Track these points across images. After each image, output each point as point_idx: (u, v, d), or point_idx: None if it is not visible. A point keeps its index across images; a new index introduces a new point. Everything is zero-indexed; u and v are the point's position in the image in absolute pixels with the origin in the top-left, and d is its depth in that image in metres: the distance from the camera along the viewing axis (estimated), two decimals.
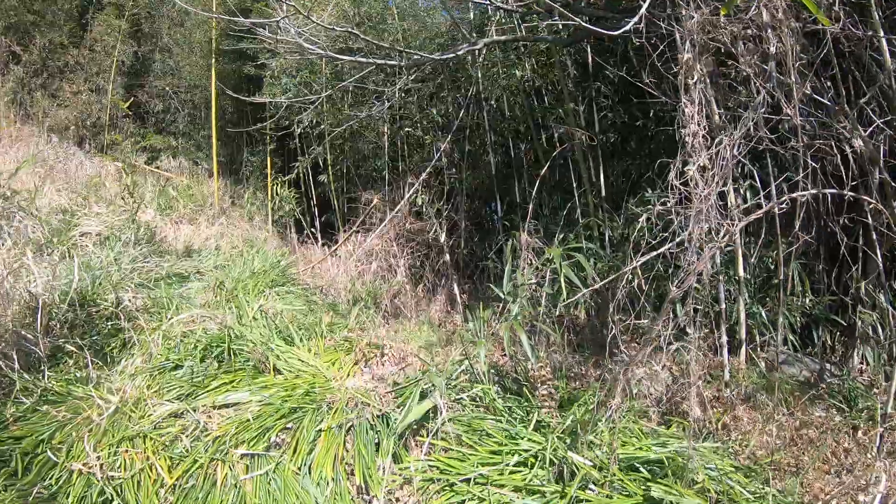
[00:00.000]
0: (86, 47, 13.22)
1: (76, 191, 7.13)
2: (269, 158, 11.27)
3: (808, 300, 4.19)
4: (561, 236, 4.67)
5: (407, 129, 8.21)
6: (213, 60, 10.10)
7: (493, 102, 7.41)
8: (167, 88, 14.09)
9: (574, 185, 6.17)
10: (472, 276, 7.33)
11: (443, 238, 6.64)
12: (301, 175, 9.26)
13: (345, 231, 8.25)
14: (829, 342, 4.19)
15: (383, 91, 7.24)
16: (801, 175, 3.34)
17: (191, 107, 14.08)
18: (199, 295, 4.99)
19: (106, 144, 12.06)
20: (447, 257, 6.72)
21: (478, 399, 3.47)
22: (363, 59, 5.48)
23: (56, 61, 12.97)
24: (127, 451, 2.92)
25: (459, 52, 5.12)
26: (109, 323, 4.06)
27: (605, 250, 5.46)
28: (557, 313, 3.80)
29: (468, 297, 6.77)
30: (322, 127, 8.59)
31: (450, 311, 6.28)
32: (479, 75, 7.17)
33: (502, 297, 3.80)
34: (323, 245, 8.51)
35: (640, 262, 2.98)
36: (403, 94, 7.58)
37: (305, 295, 5.66)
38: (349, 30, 5.00)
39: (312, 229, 9.13)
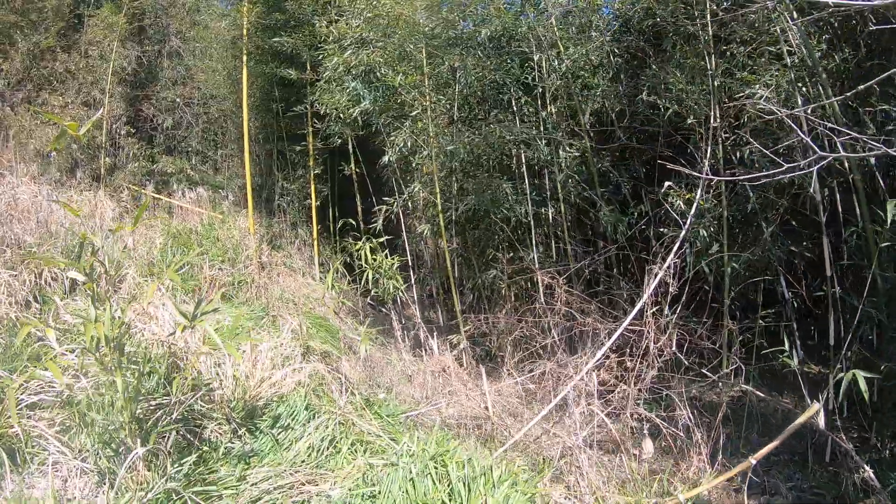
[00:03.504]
0: (78, 52, 10.82)
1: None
2: (312, 186, 8.79)
3: None
4: None
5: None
6: (245, 58, 7.63)
7: None
8: (178, 100, 11.70)
9: None
10: None
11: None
12: (388, 219, 6.67)
13: (471, 319, 5.70)
14: None
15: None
16: None
17: (206, 121, 11.69)
18: None
19: (103, 172, 9.60)
20: None
21: None
22: None
23: (42, 69, 10.56)
24: None
25: None
26: None
27: None
28: None
29: None
30: (427, 152, 6.05)
31: None
32: None
33: None
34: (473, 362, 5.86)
35: None
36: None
37: None
38: None
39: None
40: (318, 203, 8.83)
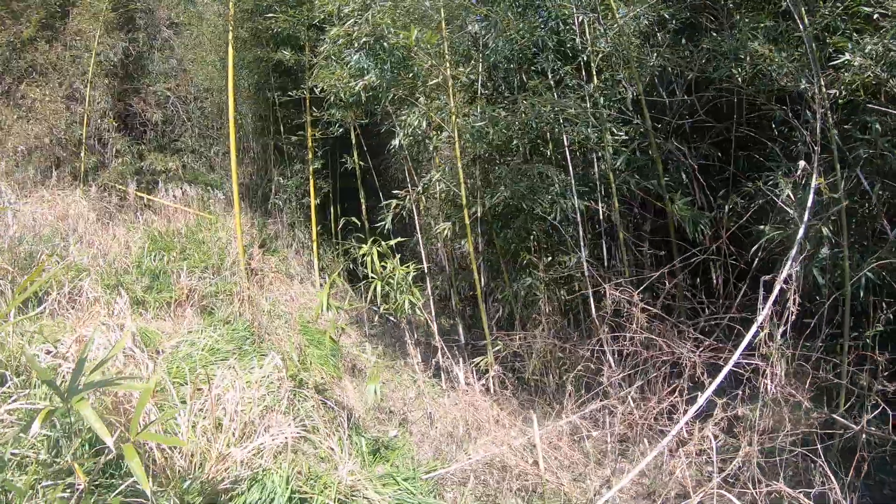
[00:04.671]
0: (62, 43, 9.94)
1: None
2: (311, 182, 7.83)
3: None
4: None
5: None
6: (230, 36, 6.67)
7: None
8: (169, 94, 10.80)
9: None
10: None
11: None
12: (400, 217, 5.67)
13: (500, 337, 4.67)
14: None
15: None
16: None
17: (200, 116, 10.77)
18: None
19: (83, 170, 8.69)
20: None
21: None
22: None
23: (23, 61, 9.68)
24: None
25: None
26: None
27: None
28: None
29: None
30: (447, 133, 5.06)
31: None
32: None
33: None
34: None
35: None
36: None
37: None
38: None
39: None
40: (318, 201, 7.86)
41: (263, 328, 4.51)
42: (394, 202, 5.45)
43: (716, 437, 2.65)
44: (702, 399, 2.68)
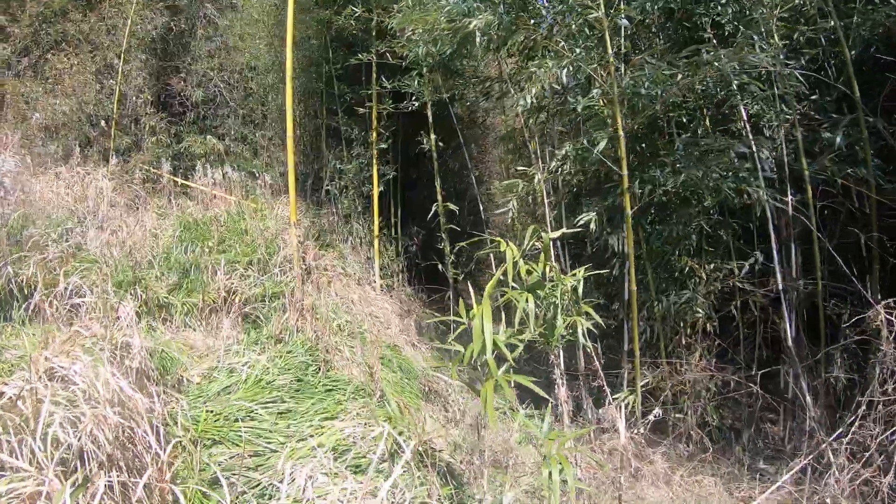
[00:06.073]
0: (96, 14, 8.98)
1: None
2: (374, 166, 6.56)
3: None
4: None
5: None
6: None
7: None
8: (212, 73, 9.79)
9: None
10: None
11: None
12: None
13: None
14: None
15: None
16: None
17: (244, 96, 9.72)
18: None
19: (112, 147, 7.64)
20: None
21: None
22: None
23: (52, 32, 8.75)
24: None
25: None
26: None
27: None
28: None
29: None
30: (600, 89, 3.76)
31: None
32: None
33: None
34: None
35: None
36: None
37: None
38: None
39: None
40: (381, 189, 6.58)
41: (331, 349, 3.19)
42: (517, 183, 4.11)
43: None
44: None
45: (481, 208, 8.11)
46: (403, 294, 6.95)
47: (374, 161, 6.56)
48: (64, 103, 8.08)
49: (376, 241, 6.48)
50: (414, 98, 6.02)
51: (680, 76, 3.56)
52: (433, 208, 6.36)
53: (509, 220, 4.31)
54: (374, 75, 6.48)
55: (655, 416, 3.29)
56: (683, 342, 3.86)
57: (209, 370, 2.98)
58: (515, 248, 2.47)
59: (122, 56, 8.41)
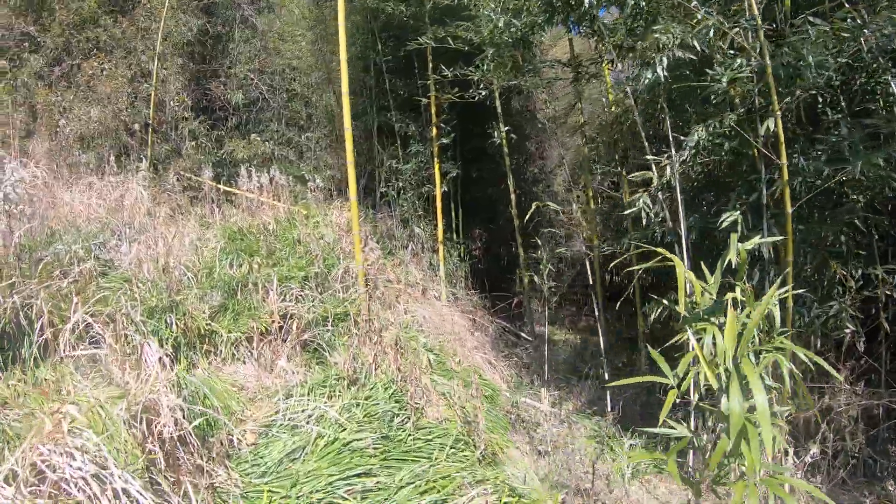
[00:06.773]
0: (128, 19, 8.57)
1: None
2: (435, 164, 5.81)
3: None
4: None
5: None
6: None
7: None
8: (252, 75, 9.31)
9: None
10: None
11: None
12: None
13: None
14: None
15: None
16: None
17: (288, 99, 9.19)
18: None
19: (152, 156, 7.14)
20: None
21: None
22: None
23: (85, 40, 8.35)
24: None
25: None
26: None
27: None
28: None
29: None
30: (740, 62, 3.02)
31: None
32: None
33: None
34: None
35: None
36: None
37: None
38: None
39: None
40: (444, 189, 5.82)
41: (423, 391, 2.42)
42: (651, 175, 3.30)
43: None
44: None
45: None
46: (470, 303, 6.19)
47: (435, 158, 5.80)
48: (98, 111, 7.65)
49: (441, 247, 5.71)
50: (482, 86, 5.23)
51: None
52: (506, 209, 5.56)
53: (643, 220, 3.46)
54: (430, 64, 5.74)
55: (812, 458, 2.50)
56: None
57: (266, 425, 2.24)
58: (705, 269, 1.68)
59: (157, 59, 7.95)
